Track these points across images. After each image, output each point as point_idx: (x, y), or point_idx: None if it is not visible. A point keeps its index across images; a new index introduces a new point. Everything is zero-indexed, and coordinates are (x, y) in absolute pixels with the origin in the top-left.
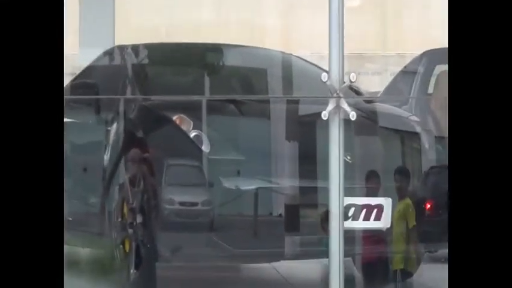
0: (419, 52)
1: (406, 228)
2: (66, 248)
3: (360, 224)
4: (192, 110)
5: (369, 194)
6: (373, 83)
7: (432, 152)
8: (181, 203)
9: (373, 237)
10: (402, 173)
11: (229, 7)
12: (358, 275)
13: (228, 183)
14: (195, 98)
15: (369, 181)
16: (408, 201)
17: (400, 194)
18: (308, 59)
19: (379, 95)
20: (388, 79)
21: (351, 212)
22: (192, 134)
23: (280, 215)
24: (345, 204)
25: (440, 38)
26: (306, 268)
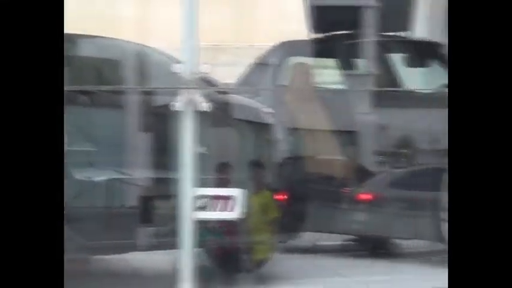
0: (273, 44)
1: (265, 219)
2: None
3: (212, 215)
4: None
5: (222, 185)
6: (227, 75)
7: (285, 144)
8: None
9: (227, 227)
10: (258, 165)
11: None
12: (211, 265)
13: (80, 175)
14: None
15: (221, 172)
16: (268, 193)
17: (257, 186)
18: (165, 51)
19: (232, 87)
20: (240, 71)
21: (203, 203)
22: None
23: (133, 207)
24: (197, 195)
25: (293, 30)
26: (158, 259)
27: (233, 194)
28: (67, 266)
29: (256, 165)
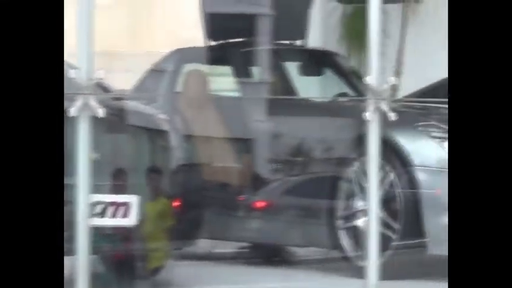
0: (166, 51)
1: (161, 226)
2: None
3: (107, 221)
4: None
5: (117, 192)
6: (123, 81)
7: (180, 150)
8: None
9: (123, 234)
10: (154, 171)
11: None
12: (106, 272)
13: None
14: None
15: (116, 179)
16: (164, 200)
17: (154, 193)
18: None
19: (128, 93)
20: (135, 77)
21: (98, 209)
22: None
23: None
24: (92, 202)
25: (189, 38)
26: None
27: (129, 201)
28: None
29: (152, 171)
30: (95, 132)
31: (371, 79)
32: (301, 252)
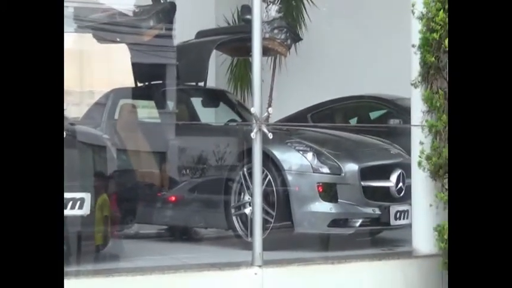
0: (106, 89)
1: (104, 214)
2: None
3: (67, 212)
4: None
5: (75, 190)
6: (73, 112)
7: (116, 160)
8: None
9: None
10: (99, 175)
11: None
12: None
13: None
14: None
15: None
16: (105, 196)
17: (98, 190)
18: None
19: (79, 120)
20: (84, 109)
21: None
22: None
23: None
24: None
25: (121, 80)
26: None
27: (83, 196)
28: None
29: (97, 175)
30: None
31: (255, 109)
32: (204, 232)
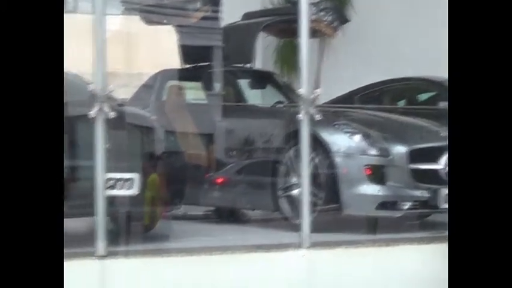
0: (154, 71)
1: (153, 195)
2: None
3: (117, 192)
4: None
5: (124, 171)
6: (121, 93)
7: (164, 141)
8: None
9: (128, 201)
10: (148, 156)
11: None
12: (115, 229)
13: None
14: None
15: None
16: (153, 177)
17: (146, 171)
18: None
19: (128, 101)
20: (132, 90)
21: (111, 183)
22: None
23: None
24: (107, 178)
25: (168, 62)
26: (78, 225)
27: (132, 177)
28: None
29: (145, 156)
30: (107, 129)
31: (302, 90)
32: (251, 213)
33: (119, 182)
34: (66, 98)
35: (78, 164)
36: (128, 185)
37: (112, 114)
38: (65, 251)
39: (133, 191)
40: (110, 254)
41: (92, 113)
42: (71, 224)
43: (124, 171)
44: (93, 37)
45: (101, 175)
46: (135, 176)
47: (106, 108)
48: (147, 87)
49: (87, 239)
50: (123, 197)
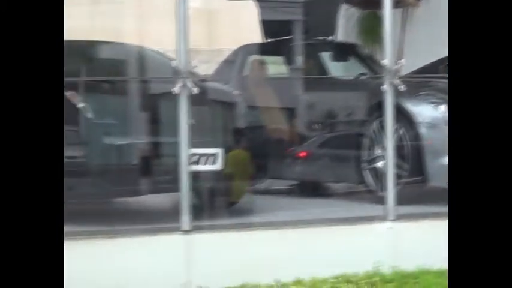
0: (235, 47)
1: (237, 170)
2: None
3: (201, 167)
4: (79, 88)
5: (208, 146)
6: (203, 69)
7: (246, 116)
8: (83, 158)
9: (212, 176)
10: (231, 131)
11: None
12: (199, 204)
13: (106, 140)
14: (81, 79)
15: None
16: (239, 151)
17: (229, 146)
18: (166, 53)
19: (210, 77)
20: (214, 66)
21: (195, 159)
22: (80, 105)
23: (146, 162)
24: (191, 153)
25: (251, 37)
26: (163, 200)
27: (216, 152)
28: (95, 207)
29: (228, 131)
30: (191, 105)
31: (386, 61)
32: (335, 186)
33: (203, 158)
34: (150, 75)
35: (162, 140)
36: (212, 160)
37: (195, 90)
38: (151, 226)
39: (217, 166)
40: (194, 229)
41: (176, 89)
42: (156, 200)
43: (207, 147)
44: (176, 14)
45: (185, 151)
46: (218, 151)
47: (189, 84)
48: (228, 62)
49: (172, 214)
50: (207, 172)
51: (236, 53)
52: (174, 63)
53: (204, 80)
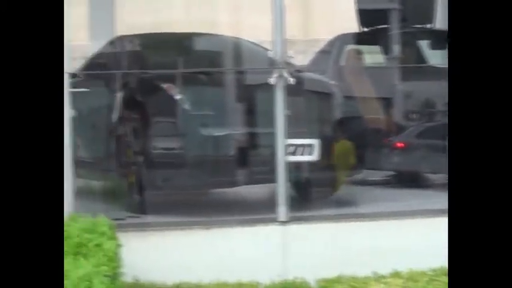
0: (331, 36)
1: (343, 161)
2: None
3: (297, 158)
4: (177, 80)
5: (304, 136)
6: (299, 60)
7: (343, 106)
8: (181, 149)
9: (309, 167)
10: (327, 122)
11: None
12: (296, 195)
13: (203, 131)
14: (179, 71)
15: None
16: (346, 141)
17: (328, 136)
18: (261, 44)
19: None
20: (309, 57)
21: (292, 149)
22: (177, 97)
23: (243, 153)
24: (287, 144)
25: (347, 27)
26: (259, 191)
27: (312, 143)
28: (194, 198)
29: (325, 122)
30: (287, 95)
31: None
32: (434, 177)
33: (299, 148)
34: (246, 66)
35: (258, 131)
36: (308, 150)
37: (291, 81)
38: (248, 217)
39: (314, 156)
40: (291, 220)
41: (272, 80)
42: (252, 191)
43: (304, 137)
44: (272, 5)
45: (281, 142)
46: (315, 142)
47: (285, 75)
48: (325, 52)
49: (269, 205)
50: (304, 163)
51: (332, 43)
52: (270, 54)
53: (300, 71)
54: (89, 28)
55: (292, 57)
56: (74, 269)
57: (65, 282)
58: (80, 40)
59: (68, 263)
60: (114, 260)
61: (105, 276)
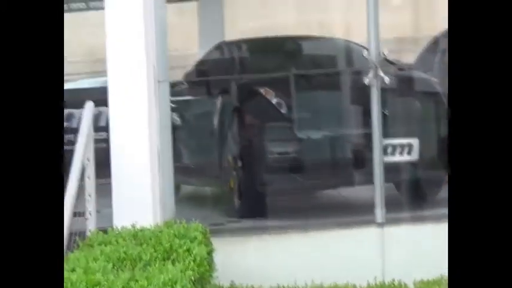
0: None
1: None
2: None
3: (395, 158)
4: (274, 84)
5: (403, 136)
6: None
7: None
8: (279, 153)
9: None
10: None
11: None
12: (398, 195)
13: (301, 134)
14: (275, 75)
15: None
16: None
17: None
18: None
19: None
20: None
21: (389, 150)
22: (274, 101)
23: (342, 155)
24: (385, 144)
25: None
26: (360, 192)
27: (411, 142)
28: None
29: (429, 121)
30: (384, 95)
31: None
32: None
33: (398, 148)
34: (342, 66)
35: (355, 131)
36: (407, 150)
37: (388, 80)
38: (346, 219)
39: (413, 156)
40: (388, 221)
41: (368, 80)
42: (349, 192)
43: (403, 137)
44: (367, 4)
45: (379, 142)
46: (414, 141)
47: (381, 74)
48: (430, 50)
49: (366, 207)
50: (403, 163)
51: (437, 39)
52: (364, 53)
53: (402, 69)
54: (199, 36)
55: (386, 55)
56: (158, 274)
57: None
58: (189, 49)
59: (155, 268)
60: (203, 265)
61: (190, 281)
